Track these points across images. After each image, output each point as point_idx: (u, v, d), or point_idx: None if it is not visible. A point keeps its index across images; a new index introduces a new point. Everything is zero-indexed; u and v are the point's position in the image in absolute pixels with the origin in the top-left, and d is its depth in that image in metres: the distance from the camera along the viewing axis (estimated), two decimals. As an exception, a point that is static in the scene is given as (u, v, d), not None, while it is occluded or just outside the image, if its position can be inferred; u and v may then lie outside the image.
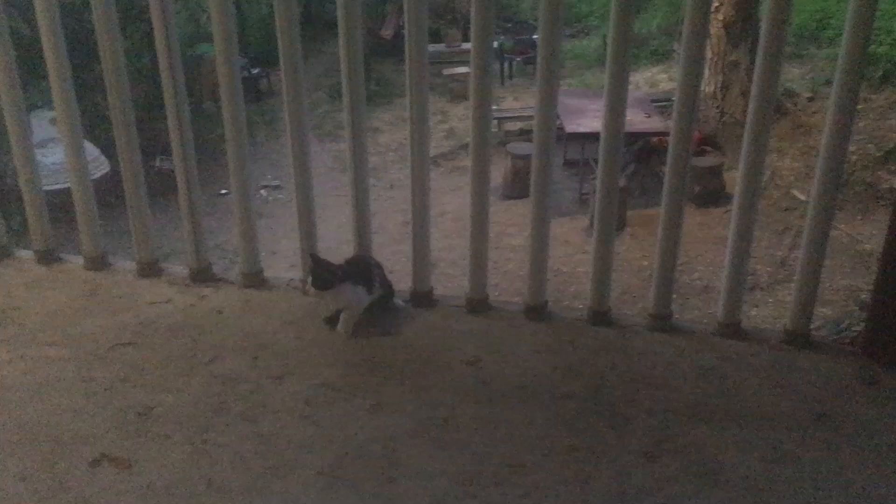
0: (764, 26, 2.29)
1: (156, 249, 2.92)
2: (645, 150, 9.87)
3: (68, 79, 2.66)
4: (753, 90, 2.35)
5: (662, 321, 2.59)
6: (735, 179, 2.62)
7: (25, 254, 2.98)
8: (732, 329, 2.57)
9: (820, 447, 2.14)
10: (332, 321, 2.57)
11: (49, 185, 3.40)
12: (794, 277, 2.56)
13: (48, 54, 2.61)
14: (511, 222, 9.24)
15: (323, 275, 2.49)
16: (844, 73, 2.24)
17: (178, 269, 2.93)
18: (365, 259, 2.66)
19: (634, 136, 9.28)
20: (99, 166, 8.89)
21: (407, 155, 2.53)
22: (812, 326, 2.57)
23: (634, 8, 2.32)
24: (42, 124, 7.44)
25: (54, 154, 7.72)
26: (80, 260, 2.93)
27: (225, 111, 2.62)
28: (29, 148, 2.86)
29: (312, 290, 2.50)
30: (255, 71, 12.65)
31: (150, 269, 2.86)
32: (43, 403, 2.27)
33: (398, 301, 2.70)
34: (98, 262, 2.88)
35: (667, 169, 2.48)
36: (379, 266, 2.67)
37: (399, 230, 8.91)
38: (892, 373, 2.39)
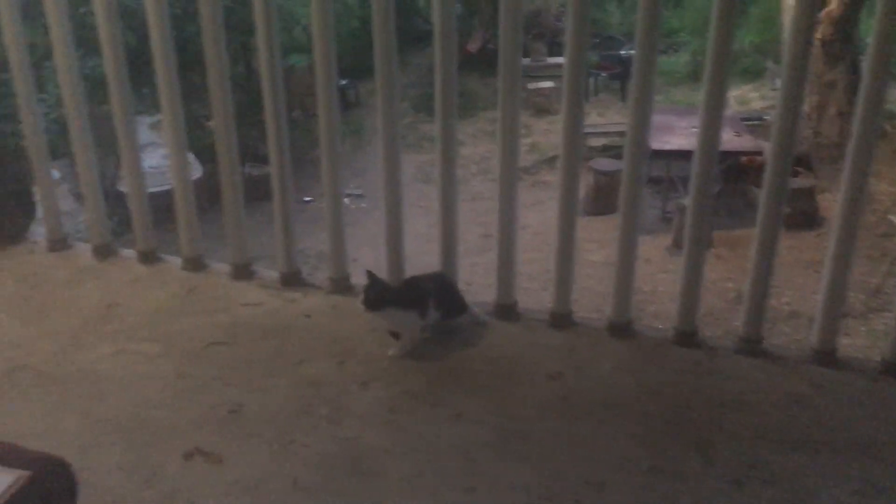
0: (871, 45, 2.22)
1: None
2: (733, 169, 9.63)
3: (175, 86, 2.79)
4: (858, 111, 2.29)
5: (752, 345, 2.53)
6: (828, 202, 2.54)
7: (128, 253, 3.13)
8: (827, 357, 2.49)
9: (918, 483, 2.05)
10: (396, 334, 2.55)
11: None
12: (893, 306, 2.47)
13: (158, 63, 2.74)
14: (591, 238, 9.15)
15: (373, 295, 2.45)
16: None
17: (269, 272, 3.02)
18: (421, 284, 2.57)
19: (723, 155, 9.06)
20: (192, 171, 9.27)
21: (489, 168, 2.56)
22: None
23: (735, 23, 2.28)
24: (141, 129, 7.81)
25: (151, 158, 8.09)
26: (178, 261, 3.06)
27: (321, 121, 2.70)
28: (136, 153, 3.00)
29: (362, 307, 2.46)
30: (342, 82, 12.94)
31: (243, 272, 2.97)
32: (140, 396, 2.37)
33: (478, 314, 2.70)
34: (195, 264, 3.00)
35: (763, 190, 2.42)
36: (448, 287, 2.63)
37: (479, 243, 8.93)
38: None
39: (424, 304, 2.51)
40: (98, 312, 2.76)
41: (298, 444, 2.19)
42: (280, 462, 2.13)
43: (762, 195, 2.44)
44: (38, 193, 3.21)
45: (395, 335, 2.54)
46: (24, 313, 2.74)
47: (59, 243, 3.11)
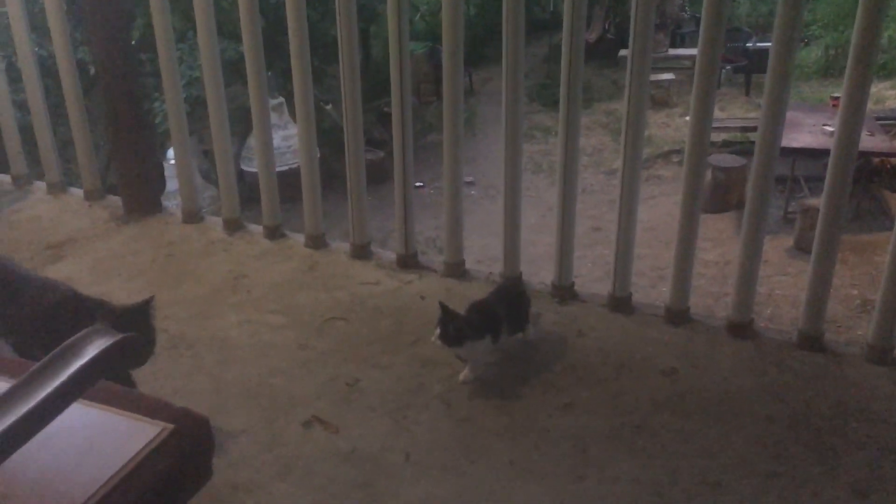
0: None
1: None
2: (864, 170, 9.12)
3: (308, 69, 2.89)
4: None
5: (882, 353, 2.42)
6: None
7: (255, 228, 3.27)
8: (965, 370, 2.35)
9: None
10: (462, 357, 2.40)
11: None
12: None
13: (293, 45, 2.84)
14: (707, 237, 8.86)
15: (453, 331, 2.26)
16: None
17: (387, 253, 3.10)
18: (491, 308, 2.41)
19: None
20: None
21: (601, 160, 2.52)
22: None
23: (884, 13, 2.17)
24: (264, 112, 8.14)
25: (273, 139, 8.43)
26: (300, 238, 3.18)
27: (445, 108, 2.74)
28: (268, 133, 3.13)
29: (439, 342, 2.28)
30: (458, 70, 13.00)
31: (362, 252, 3.05)
32: (264, 365, 2.49)
33: (532, 330, 2.56)
34: (317, 241, 3.11)
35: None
36: (514, 301, 2.49)
37: (588, 235, 8.82)
38: None
39: (498, 326, 2.37)
40: (227, 283, 2.90)
41: (411, 421, 2.25)
42: (394, 436, 2.19)
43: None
44: (175, 168, 3.39)
45: (463, 360, 2.40)
46: (161, 280, 2.92)
47: (192, 215, 3.29)
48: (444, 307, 2.29)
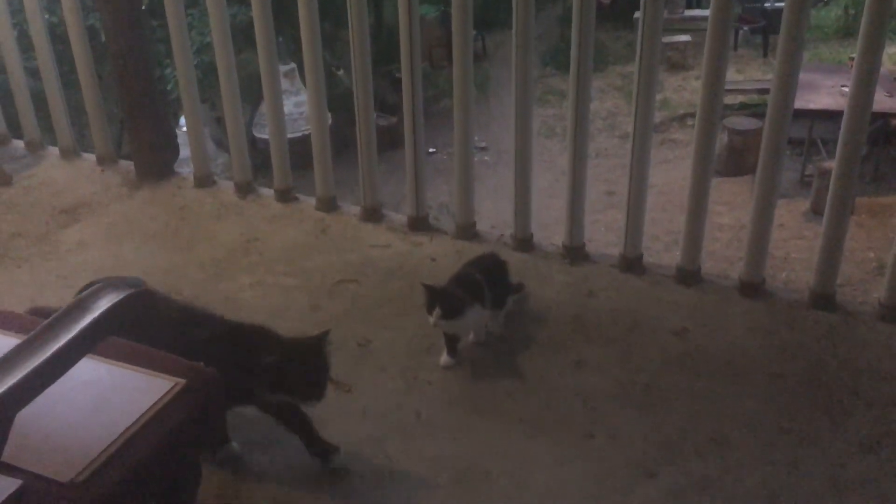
0: None
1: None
2: (882, 132, 9.00)
3: (317, 34, 2.87)
4: None
5: (894, 311, 2.41)
6: None
7: (266, 191, 3.28)
8: (978, 328, 2.34)
9: None
10: (452, 339, 2.33)
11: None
12: None
13: (302, 11, 2.82)
14: (722, 200, 8.80)
15: (450, 303, 2.21)
16: None
17: (397, 216, 3.10)
18: (471, 275, 2.35)
19: (872, 117, 8.48)
20: (324, 118, 9.59)
21: (616, 124, 2.50)
22: None
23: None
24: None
25: (285, 106, 8.41)
26: (311, 201, 3.18)
27: (455, 71, 2.72)
28: (278, 96, 3.12)
29: (442, 322, 2.21)
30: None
31: (373, 215, 3.06)
32: (278, 325, 2.48)
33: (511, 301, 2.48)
34: (328, 204, 3.12)
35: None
36: (493, 271, 2.42)
37: (601, 200, 8.78)
38: None
39: (482, 292, 2.30)
40: (239, 245, 2.92)
41: (423, 381, 2.27)
42: (405, 395, 2.21)
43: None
44: (187, 133, 3.39)
45: (452, 340, 2.32)
46: (175, 243, 2.94)
47: (205, 179, 3.30)
48: (428, 286, 2.23)
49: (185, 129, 6.42)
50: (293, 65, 9.50)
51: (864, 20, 2.21)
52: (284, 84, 8.99)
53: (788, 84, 2.34)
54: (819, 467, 1.95)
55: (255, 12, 2.92)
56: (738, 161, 8.75)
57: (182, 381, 1.41)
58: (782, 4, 2.32)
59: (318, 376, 1.83)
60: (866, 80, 2.26)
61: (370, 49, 2.86)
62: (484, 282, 2.31)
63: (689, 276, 2.64)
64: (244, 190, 3.25)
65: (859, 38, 2.25)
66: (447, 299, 2.21)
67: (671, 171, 8.99)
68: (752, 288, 2.56)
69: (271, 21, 2.94)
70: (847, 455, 1.98)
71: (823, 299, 2.48)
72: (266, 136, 3.67)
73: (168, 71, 7.04)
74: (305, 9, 2.82)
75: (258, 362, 1.77)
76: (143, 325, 1.75)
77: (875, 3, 2.17)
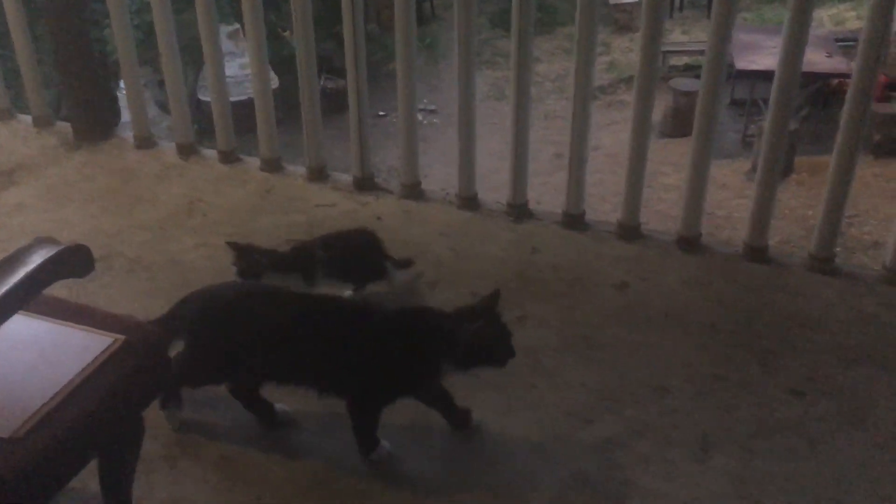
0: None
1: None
2: (822, 92, 9.22)
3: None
4: None
5: (824, 263, 2.51)
6: None
7: (209, 153, 3.24)
8: (901, 277, 2.45)
9: (985, 404, 2.03)
10: None
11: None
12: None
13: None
14: (667, 161, 8.96)
15: (246, 263, 2.24)
16: None
17: (343, 176, 3.10)
18: (308, 248, 2.34)
19: (812, 77, 8.67)
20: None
21: (565, 86, 2.53)
22: None
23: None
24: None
25: (229, 68, 8.24)
26: (256, 162, 3.16)
27: (397, 31, 2.71)
28: (220, 56, 3.07)
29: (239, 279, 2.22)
30: (419, -5, 12.75)
31: (318, 175, 3.05)
32: (222, 286, 2.50)
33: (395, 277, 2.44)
34: (273, 165, 3.10)
35: (844, 110, 2.36)
36: (360, 251, 2.38)
37: (551, 162, 8.86)
38: None
39: (311, 268, 2.27)
40: (183, 207, 2.89)
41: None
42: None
43: (843, 117, 2.37)
44: (126, 94, 3.32)
45: None
46: (116, 205, 2.90)
47: (146, 141, 3.24)
48: (231, 243, 2.27)
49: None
50: (238, 25, 9.28)
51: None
52: (229, 45, 8.79)
53: (721, 44, 2.39)
54: (750, 411, 2.04)
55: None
56: (683, 122, 8.89)
57: (121, 337, 1.41)
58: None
59: (504, 336, 1.82)
60: (796, 41, 2.32)
61: (316, 9, 2.83)
62: (323, 258, 2.27)
63: (629, 231, 2.70)
64: (187, 151, 3.21)
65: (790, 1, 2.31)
66: (244, 258, 2.23)
67: (619, 133, 9.09)
68: (690, 242, 2.63)
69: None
70: (776, 399, 2.07)
71: (757, 252, 2.57)
72: (207, 98, 3.61)
73: (107, 31, 6.84)
74: (245, -35, 2.78)
75: (451, 336, 1.75)
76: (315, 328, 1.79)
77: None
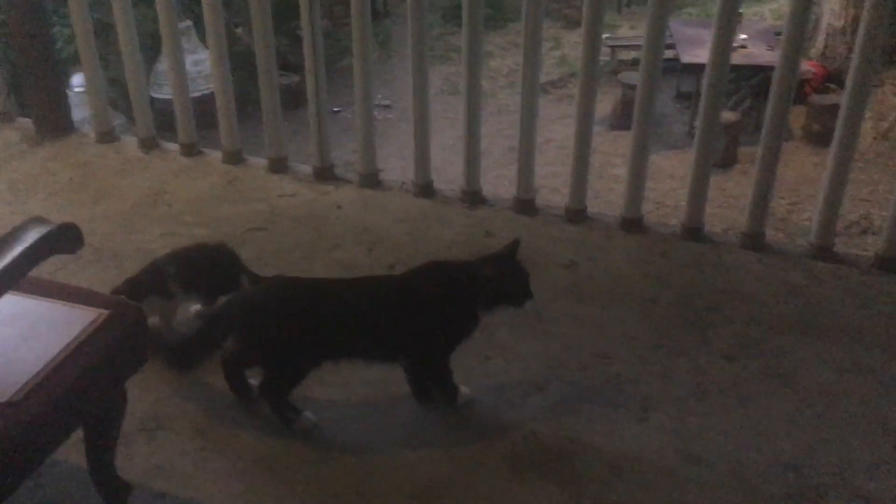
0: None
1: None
2: (764, 84, 9.52)
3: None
4: (861, 28, 2.39)
5: (754, 240, 2.70)
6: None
7: (171, 146, 3.32)
8: (824, 251, 2.66)
9: (896, 363, 2.24)
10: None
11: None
12: (892, 205, 2.61)
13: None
14: (617, 153, 9.17)
15: (127, 289, 2.19)
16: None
17: (304, 167, 3.21)
18: (157, 266, 2.27)
19: (754, 70, 8.97)
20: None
21: (517, 81, 2.68)
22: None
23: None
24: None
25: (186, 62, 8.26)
26: (218, 154, 3.25)
27: (354, 25, 2.83)
28: (179, 52, 3.16)
29: None
30: (372, -9, 12.77)
31: (279, 166, 3.16)
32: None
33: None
34: (234, 157, 3.20)
35: (770, 97, 2.55)
36: (207, 263, 2.29)
37: (504, 155, 9.00)
38: (983, 302, 2.44)
39: (162, 287, 2.22)
40: (147, 199, 2.98)
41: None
42: (316, 331, 2.35)
43: (768, 105, 2.56)
44: (87, 88, 3.38)
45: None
46: (80, 198, 2.97)
47: (107, 135, 3.31)
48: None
49: (76, 89, 6.23)
50: (189, 22, 9.26)
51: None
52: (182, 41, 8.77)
53: (657, 37, 2.57)
54: (687, 376, 2.22)
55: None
56: (632, 114, 9.12)
57: (106, 311, 1.52)
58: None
59: (524, 279, 2.01)
60: (724, 35, 2.51)
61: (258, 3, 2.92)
62: (174, 273, 2.22)
63: (576, 214, 2.87)
64: (148, 145, 3.29)
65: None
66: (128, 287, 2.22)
67: (570, 126, 9.29)
68: (632, 223, 2.81)
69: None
70: (711, 365, 2.26)
71: (693, 231, 2.76)
72: (162, 96, 3.65)
73: (56, 29, 6.80)
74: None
75: (478, 279, 1.94)
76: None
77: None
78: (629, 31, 11.98)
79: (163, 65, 6.32)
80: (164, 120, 3.75)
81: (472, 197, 2.97)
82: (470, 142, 2.91)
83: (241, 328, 1.97)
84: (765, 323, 2.39)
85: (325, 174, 3.11)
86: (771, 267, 2.63)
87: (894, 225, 2.57)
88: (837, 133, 2.56)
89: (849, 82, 2.48)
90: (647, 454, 1.97)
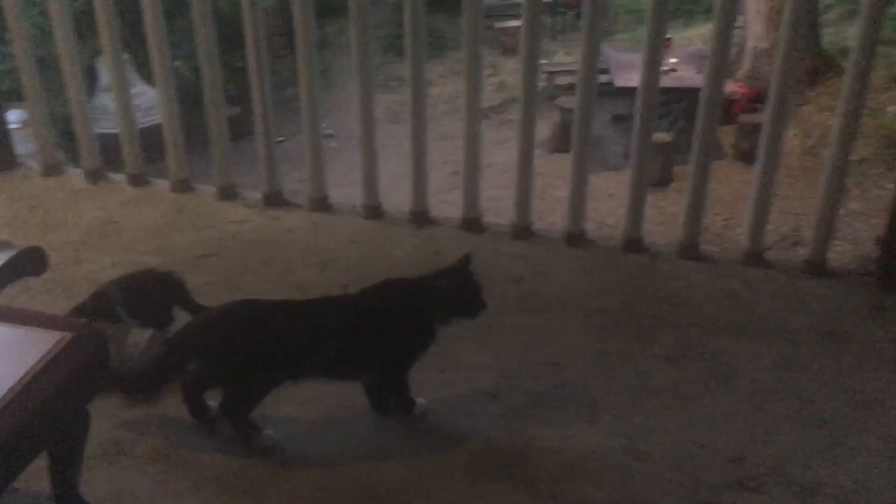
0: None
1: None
2: (694, 106, 9.85)
3: (162, 24, 2.98)
4: (778, 50, 2.57)
5: (690, 249, 2.85)
6: (785, 138, 2.81)
7: (118, 177, 3.34)
8: (756, 258, 2.81)
9: (826, 359, 2.39)
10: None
11: (109, 129, 3.65)
12: (814, 214, 2.79)
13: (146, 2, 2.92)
14: (558, 175, 9.34)
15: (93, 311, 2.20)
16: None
17: (253, 194, 3.26)
18: (104, 291, 2.26)
19: (685, 92, 9.30)
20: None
21: (458, 108, 2.79)
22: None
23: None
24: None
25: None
26: (166, 184, 3.28)
27: (299, 54, 2.91)
28: (125, 85, 3.20)
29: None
30: (311, 22, 12.84)
31: (228, 193, 3.20)
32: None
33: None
34: (183, 186, 3.23)
35: (698, 116, 2.71)
36: (148, 290, 2.29)
37: (448, 180, 9.13)
38: (900, 299, 2.62)
39: (108, 311, 2.21)
40: (96, 229, 2.99)
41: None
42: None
43: (696, 123, 2.72)
44: (32, 122, 3.37)
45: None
46: (27, 231, 2.96)
47: (53, 168, 3.31)
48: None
49: (14, 125, 6.14)
50: (126, 56, 9.20)
51: (650, 6, 2.60)
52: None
53: (591, 63, 2.71)
54: (631, 379, 2.32)
55: (98, 3, 2.97)
56: (570, 137, 9.34)
57: (69, 333, 1.55)
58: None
59: (477, 290, 2.08)
60: (653, 59, 2.66)
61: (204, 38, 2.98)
62: (118, 298, 2.22)
63: (522, 231, 2.97)
64: (95, 176, 3.30)
65: (647, 21, 2.64)
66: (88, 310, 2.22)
67: (511, 150, 9.47)
68: (575, 238, 2.93)
69: (113, 10, 3.01)
70: (654, 368, 2.37)
71: (634, 243, 2.89)
72: (99, 131, 3.63)
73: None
74: (149, 4, 2.92)
75: (432, 292, 2.01)
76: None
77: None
78: (564, 57, 12.30)
79: (99, 99, 6.29)
80: (104, 153, 3.74)
81: (421, 217, 3.05)
82: (417, 163, 3.00)
83: (202, 351, 2.00)
84: (703, 327, 2.52)
85: (274, 200, 3.16)
86: (707, 274, 2.78)
87: (818, 232, 2.73)
88: (761, 147, 2.72)
89: (770, 100, 2.64)
90: (597, 453, 2.06)
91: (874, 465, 2.02)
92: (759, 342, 2.46)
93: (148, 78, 4.18)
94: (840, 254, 5.02)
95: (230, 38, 3.04)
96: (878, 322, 2.54)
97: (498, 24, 12.61)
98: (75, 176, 3.35)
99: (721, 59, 2.60)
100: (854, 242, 6.56)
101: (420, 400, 2.15)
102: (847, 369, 2.34)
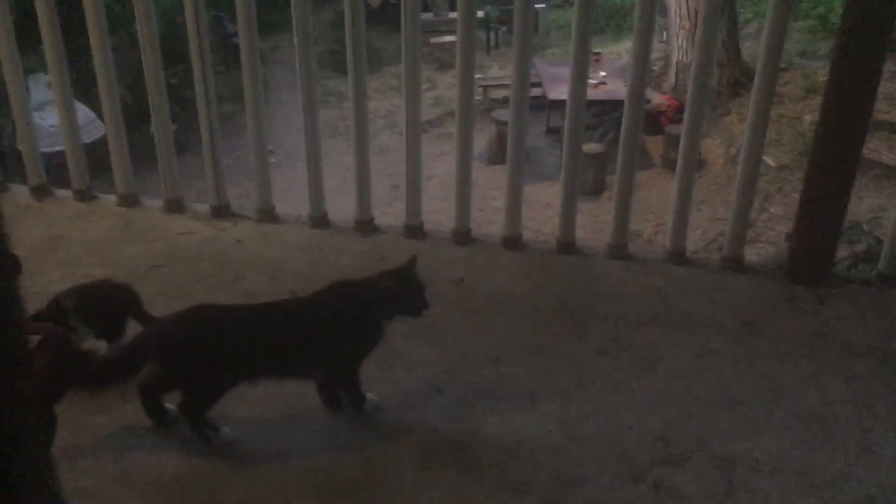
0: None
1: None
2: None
3: (107, 43, 3.04)
4: (694, 62, 2.79)
5: (619, 250, 3.05)
6: (709, 146, 3.03)
7: (64, 193, 3.38)
8: (678, 257, 3.02)
9: (742, 346, 2.60)
10: None
11: (46, 148, 3.73)
12: (731, 212, 3.02)
13: (90, 18, 2.98)
14: (495, 186, 9.60)
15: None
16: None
17: (201, 206, 3.34)
18: (59, 301, 2.25)
19: (614, 104, 9.64)
20: (94, 130, 9.25)
21: (395, 122, 2.93)
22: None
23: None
24: (38, 87, 7.78)
25: (52, 117, 8.05)
26: (112, 198, 3.33)
27: (245, 68, 3.02)
28: (70, 103, 3.24)
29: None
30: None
31: (175, 206, 3.27)
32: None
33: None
34: (130, 200, 3.29)
35: (622, 126, 2.91)
36: (100, 300, 2.35)
37: (388, 193, 9.27)
38: (809, 291, 2.86)
39: (62, 320, 2.17)
40: (44, 244, 3.03)
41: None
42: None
43: (621, 136, 2.92)
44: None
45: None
46: (-26, 246, 2.98)
47: (-4, 186, 3.34)
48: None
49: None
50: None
51: (574, 26, 2.80)
52: (48, 95, 8.57)
53: (523, 76, 2.89)
54: (567, 370, 2.49)
55: (42, 20, 3.03)
56: (506, 149, 9.59)
57: (38, 336, 1.64)
58: (539, 5, 2.84)
59: (420, 290, 2.21)
60: (580, 73, 2.85)
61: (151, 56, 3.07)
62: (72, 307, 2.23)
63: (462, 236, 3.13)
64: (40, 192, 3.33)
65: (572, 37, 2.83)
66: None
67: (450, 163, 9.65)
68: (513, 242, 3.10)
69: (59, 30, 3.07)
70: (587, 359, 2.54)
71: (566, 246, 3.08)
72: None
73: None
74: (93, 17, 2.99)
75: (377, 291, 2.13)
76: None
77: (581, 11, 2.76)
78: (499, 71, 12.60)
79: (34, 119, 6.23)
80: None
81: (365, 225, 3.18)
82: (361, 172, 3.14)
83: (160, 354, 2.09)
84: (631, 320, 2.71)
85: (222, 211, 3.25)
86: (634, 273, 2.98)
87: (734, 230, 2.96)
88: (680, 154, 2.94)
89: (686, 112, 2.86)
90: (537, 439, 2.22)
91: (784, 439, 2.23)
92: (681, 333, 2.66)
93: (80, 96, 4.22)
94: (760, 254, 5.37)
95: (166, 55, 3.13)
96: (789, 312, 2.77)
97: (434, 40, 12.83)
98: (21, 192, 3.37)
99: (640, 72, 2.81)
100: (773, 244, 6.95)
101: (370, 395, 2.28)
102: (761, 355, 2.56)
